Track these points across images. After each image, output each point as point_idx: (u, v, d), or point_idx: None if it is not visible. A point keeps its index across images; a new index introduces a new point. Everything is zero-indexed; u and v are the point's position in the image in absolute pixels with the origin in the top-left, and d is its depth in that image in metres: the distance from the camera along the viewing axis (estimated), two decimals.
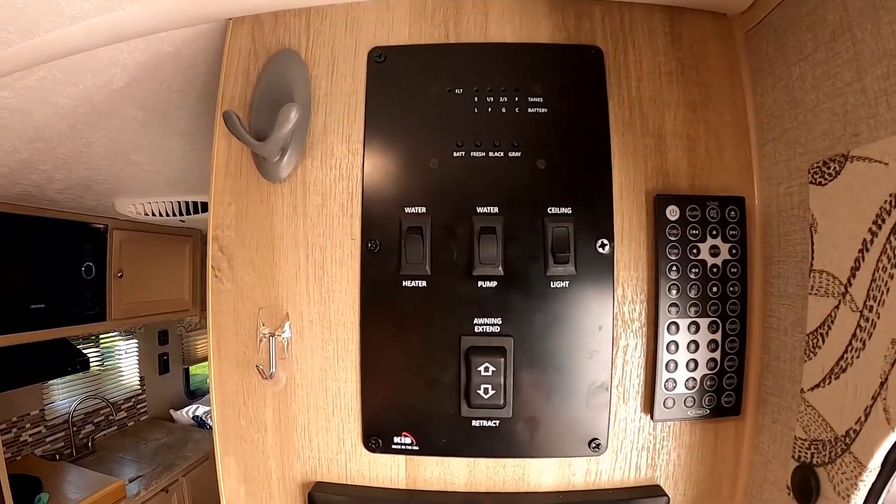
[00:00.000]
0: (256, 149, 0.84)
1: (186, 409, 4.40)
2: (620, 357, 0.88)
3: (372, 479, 0.91)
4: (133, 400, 4.10)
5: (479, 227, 0.85)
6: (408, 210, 0.87)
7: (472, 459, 0.89)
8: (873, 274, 0.61)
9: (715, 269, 0.85)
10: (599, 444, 0.87)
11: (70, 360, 3.12)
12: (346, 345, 0.90)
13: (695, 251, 0.85)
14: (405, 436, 0.88)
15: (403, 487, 0.91)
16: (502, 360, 0.84)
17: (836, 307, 0.68)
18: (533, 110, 0.88)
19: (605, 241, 0.86)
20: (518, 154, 0.87)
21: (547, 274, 0.85)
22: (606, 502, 0.88)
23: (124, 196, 2.42)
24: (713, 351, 0.85)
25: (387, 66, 0.90)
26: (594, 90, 0.89)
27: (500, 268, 0.85)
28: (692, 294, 0.85)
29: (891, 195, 0.59)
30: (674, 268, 0.85)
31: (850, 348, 0.65)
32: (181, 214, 2.57)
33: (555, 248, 0.84)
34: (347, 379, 0.90)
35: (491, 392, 0.84)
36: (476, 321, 0.86)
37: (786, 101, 0.81)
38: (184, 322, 4.67)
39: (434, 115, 0.89)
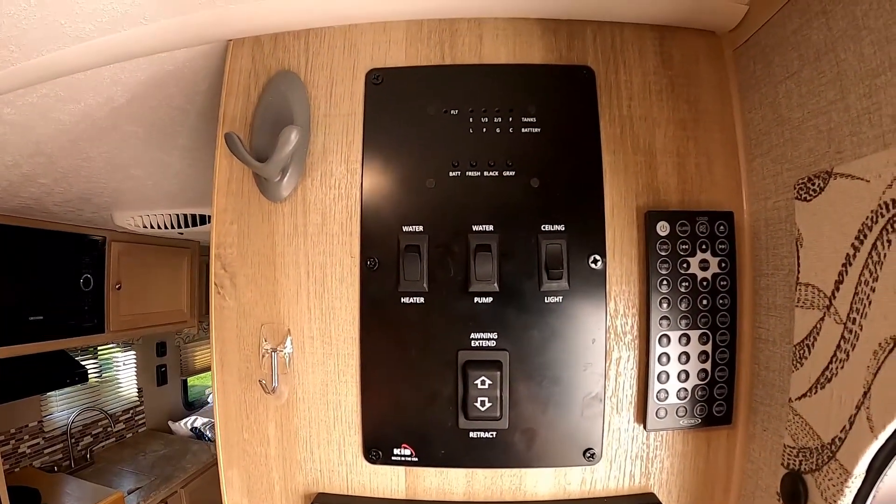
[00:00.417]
0: (258, 170, 0.86)
1: (185, 420, 4.38)
2: (613, 369, 0.89)
3: (373, 489, 0.92)
4: (131, 411, 4.09)
5: (475, 245, 0.87)
6: (405, 229, 0.89)
7: (470, 470, 0.91)
8: (856, 287, 0.63)
9: (705, 283, 0.87)
10: (594, 453, 0.88)
11: (68, 372, 3.12)
12: (346, 359, 0.91)
13: (685, 265, 0.87)
14: (405, 448, 0.89)
15: (403, 498, 0.92)
16: (498, 373, 0.86)
17: (822, 319, 0.70)
18: (526, 130, 0.90)
19: (598, 257, 0.88)
20: (512, 173, 0.89)
21: (541, 289, 0.87)
22: None
23: (123, 209, 2.42)
24: (704, 362, 0.87)
25: (384, 87, 0.92)
26: (586, 110, 0.91)
27: (496, 284, 0.87)
28: (682, 307, 0.87)
29: (872, 211, 0.61)
30: (664, 282, 0.87)
31: (834, 359, 0.67)
32: (180, 227, 2.56)
33: (548, 265, 0.86)
34: (348, 392, 0.91)
35: (488, 404, 0.86)
36: (472, 336, 0.88)
37: (773, 118, 0.83)
38: (182, 334, 4.66)
39: (430, 135, 0.91)
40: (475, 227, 0.88)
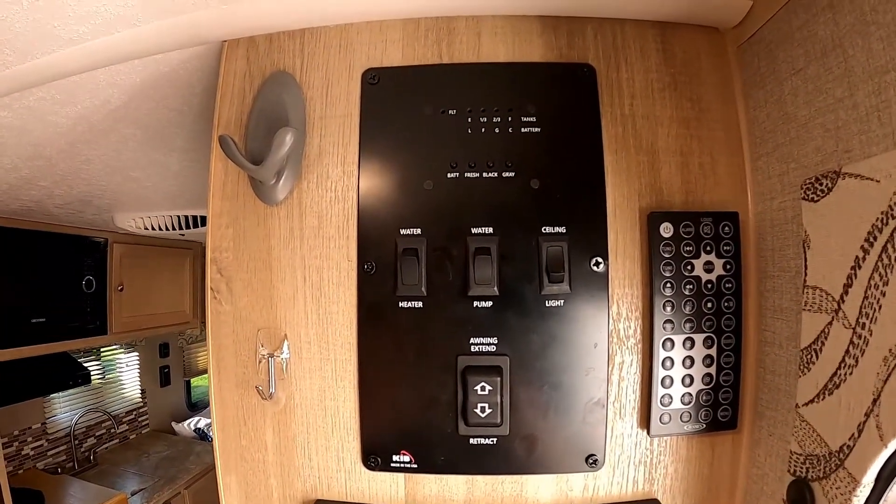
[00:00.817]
0: (252, 172, 0.85)
1: (188, 421, 4.38)
2: (616, 374, 0.88)
3: (371, 496, 0.91)
4: (134, 413, 4.09)
5: (474, 248, 0.86)
6: (403, 231, 0.88)
7: (470, 477, 0.89)
8: (865, 291, 0.62)
9: (709, 285, 0.86)
10: (596, 459, 0.87)
11: (71, 374, 3.12)
12: (344, 365, 0.90)
13: (689, 267, 0.85)
14: (404, 454, 0.88)
15: None
16: (498, 379, 0.85)
17: (830, 323, 0.68)
18: (526, 130, 0.89)
19: (600, 259, 0.86)
20: (512, 174, 0.88)
21: (542, 293, 0.86)
22: None
23: (124, 211, 2.42)
24: (708, 366, 0.86)
25: (380, 87, 0.91)
26: (587, 108, 0.89)
27: (496, 288, 0.85)
28: (687, 310, 0.85)
29: (882, 213, 0.59)
30: (668, 284, 0.85)
31: (843, 365, 0.65)
32: (181, 228, 2.57)
33: (549, 268, 0.84)
34: (346, 398, 0.90)
35: (488, 411, 0.85)
36: (472, 341, 0.87)
37: (778, 115, 0.81)
38: (185, 334, 4.67)
39: (428, 136, 0.89)
40: (474, 230, 0.87)
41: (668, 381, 0.85)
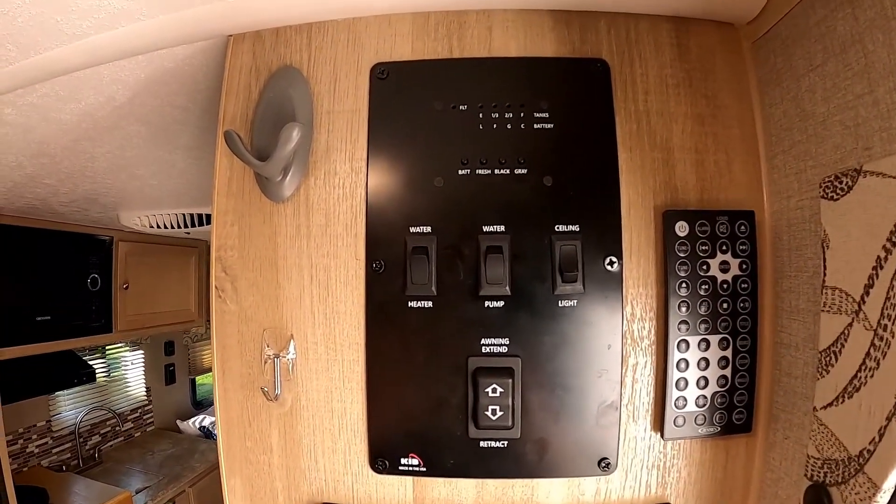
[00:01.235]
0: (258, 169, 0.83)
1: (193, 419, 4.39)
2: (630, 376, 0.86)
3: (379, 500, 0.90)
4: (139, 411, 4.10)
5: (486, 247, 0.84)
6: (413, 230, 0.86)
7: (480, 480, 0.88)
8: (888, 292, 0.60)
9: (725, 285, 0.84)
10: (609, 463, 0.85)
11: (76, 372, 3.14)
12: (351, 366, 0.89)
13: (704, 267, 0.84)
14: (412, 457, 0.87)
15: None
16: (510, 380, 0.83)
17: (850, 325, 0.66)
18: (539, 126, 0.87)
19: (614, 259, 0.85)
20: (524, 171, 0.86)
21: (555, 293, 0.84)
22: None
23: (129, 209, 2.42)
24: (724, 368, 0.84)
25: (390, 82, 0.89)
26: (601, 104, 0.88)
27: (507, 287, 0.84)
28: (702, 311, 0.84)
29: None
30: (683, 284, 0.84)
31: (863, 367, 0.63)
32: (186, 226, 2.57)
33: (563, 267, 0.83)
34: (353, 400, 0.89)
35: (499, 413, 0.83)
36: (483, 342, 0.85)
37: (795, 112, 0.79)
38: (190, 333, 4.68)
39: (438, 132, 0.88)
40: (486, 228, 0.85)
41: (682, 384, 0.84)
